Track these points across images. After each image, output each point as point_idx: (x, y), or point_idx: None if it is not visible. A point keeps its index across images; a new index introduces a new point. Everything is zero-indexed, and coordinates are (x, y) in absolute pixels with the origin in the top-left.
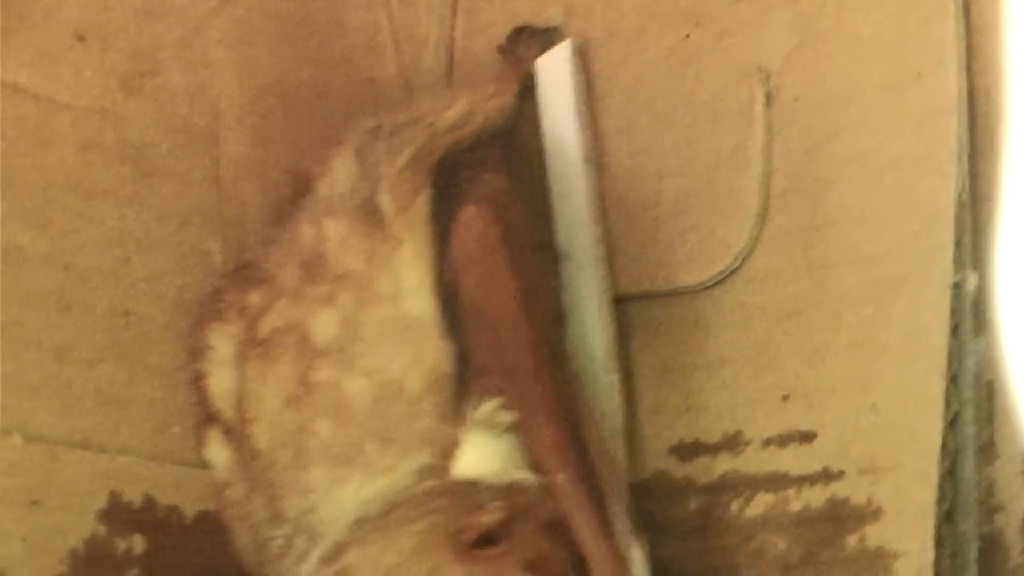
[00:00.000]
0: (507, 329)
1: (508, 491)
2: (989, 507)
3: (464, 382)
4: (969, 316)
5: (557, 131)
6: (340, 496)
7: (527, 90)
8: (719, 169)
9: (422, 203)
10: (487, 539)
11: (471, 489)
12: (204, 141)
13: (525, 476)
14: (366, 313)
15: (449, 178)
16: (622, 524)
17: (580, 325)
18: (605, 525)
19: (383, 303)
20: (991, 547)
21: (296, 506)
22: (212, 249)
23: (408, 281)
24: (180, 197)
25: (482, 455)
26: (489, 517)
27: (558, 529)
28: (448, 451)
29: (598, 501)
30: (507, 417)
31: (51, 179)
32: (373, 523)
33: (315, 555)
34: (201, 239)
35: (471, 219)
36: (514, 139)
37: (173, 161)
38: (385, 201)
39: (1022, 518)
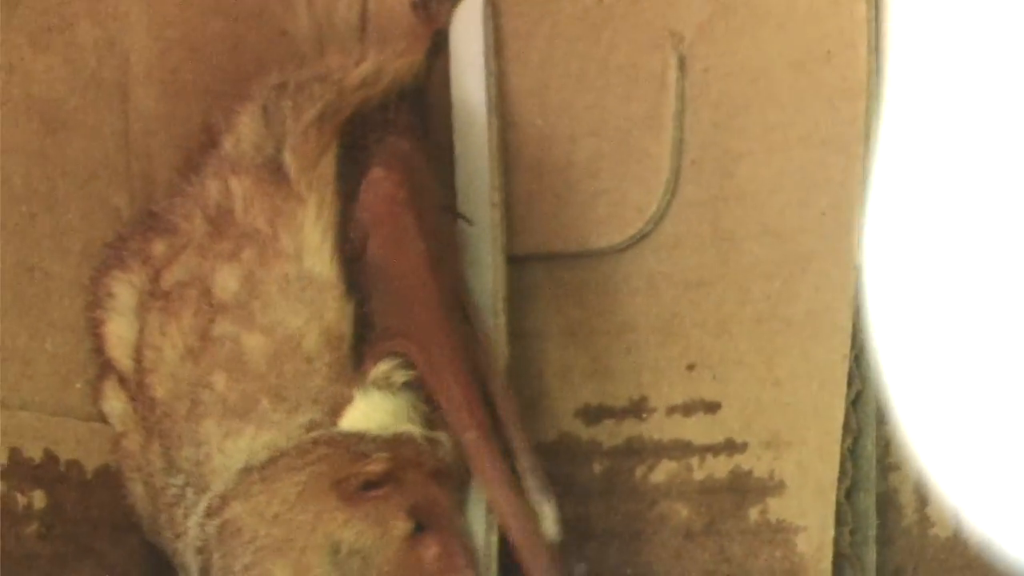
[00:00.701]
0: (414, 289)
1: (394, 442)
2: (884, 466)
3: (367, 343)
4: None
5: (465, 86)
6: (231, 448)
7: (439, 48)
8: (632, 133)
9: (327, 163)
10: (371, 486)
11: (356, 440)
12: (113, 95)
13: (412, 428)
14: (268, 270)
15: (357, 138)
16: (533, 480)
17: (477, 284)
18: (513, 481)
19: (285, 260)
20: (885, 506)
21: (189, 457)
22: (120, 204)
23: (310, 240)
24: (88, 152)
25: (372, 411)
26: (374, 466)
27: (445, 478)
28: (338, 409)
29: (508, 457)
30: (402, 376)
31: None
32: (258, 473)
33: (201, 508)
34: (109, 194)
35: (378, 181)
36: (424, 98)
37: (81, 116)
38: (289, 159)
39: (916, 479)
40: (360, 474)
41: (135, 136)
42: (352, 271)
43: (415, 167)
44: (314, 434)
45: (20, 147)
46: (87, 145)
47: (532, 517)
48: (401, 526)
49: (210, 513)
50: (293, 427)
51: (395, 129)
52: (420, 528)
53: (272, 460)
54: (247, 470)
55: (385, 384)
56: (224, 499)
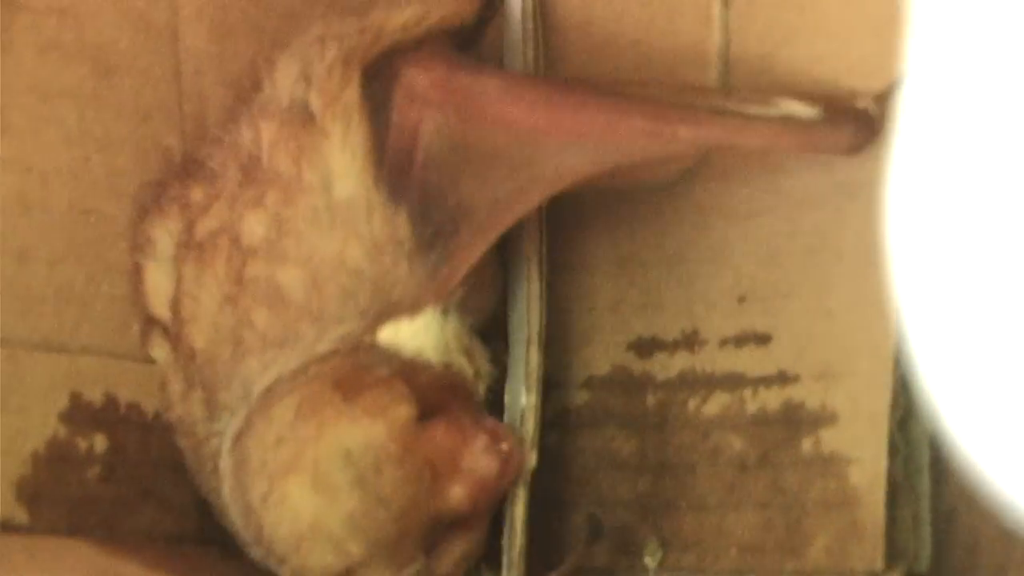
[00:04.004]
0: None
1: (409, 365)
2: None
3: (435, 235)
4: None
5: (510, 22)
6: (268, 379)
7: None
8: (677, 68)
9: (351, 92)
10: None
11: (371, 355)
12: (163, 36)
13: (436, 358)
14: (294, 208)
15: (383, 68)
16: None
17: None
18: None
19: (311, 194)
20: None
21: (233, 395)
22: (172, 145)
23: (338, 165)
24: (140, 94)
25: (422, 331)
26: (377, 371)
27: (460, 391)
28: (383, 318)
29: None
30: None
31: (10, 82)
32: (257, 402)
33: (225, 448)
34: (161, 135)
35: (412, 76)
36: (473, 49)
37: (132, 58)
38: (314, 98)
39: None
40: (360, 375)
41: (186, 76)
42: (402, 185)
43: (449, 60)
44: (331, 346)
45: (72, 91)
46: (139, 87)
47: None
48: (404, 410)
49: (230, 451)
50: (321, 341)
51: (426, 50)
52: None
53: (268, 388)
54: (268, 389)
55: (456, 313)
56: (238, 435)
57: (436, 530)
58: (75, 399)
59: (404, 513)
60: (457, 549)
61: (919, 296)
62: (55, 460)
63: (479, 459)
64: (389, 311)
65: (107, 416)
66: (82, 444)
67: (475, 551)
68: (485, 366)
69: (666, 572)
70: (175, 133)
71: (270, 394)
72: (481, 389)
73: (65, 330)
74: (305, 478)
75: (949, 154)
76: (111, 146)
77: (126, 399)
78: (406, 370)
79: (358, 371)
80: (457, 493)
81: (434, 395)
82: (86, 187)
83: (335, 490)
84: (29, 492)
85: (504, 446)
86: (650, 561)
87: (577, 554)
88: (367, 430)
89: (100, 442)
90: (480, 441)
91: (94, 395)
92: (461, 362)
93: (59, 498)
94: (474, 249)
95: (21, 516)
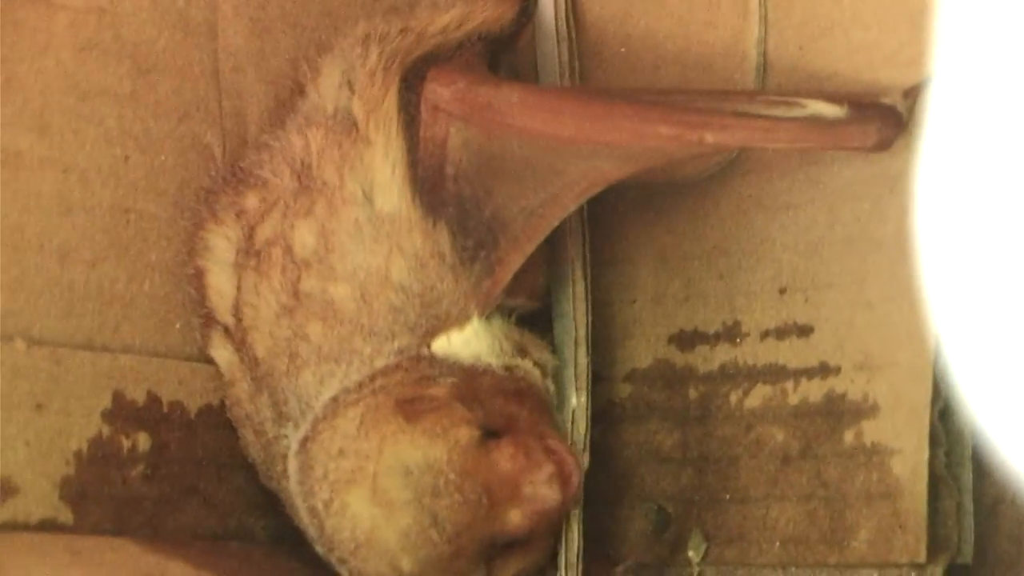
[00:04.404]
0: (536, 123)
1: (471, 370)
2: None
3: (477, 248)
4: None
5: (544, 16)
6: (325, 392)
7: (532, 8)
8: (715, 60)
9: (391, 101)
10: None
11: (430, 364)
12: (202, 34)
13: (494, 361)
14: (339, 220)
15: (418, 72)
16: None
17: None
18: None
19: (353, 206)
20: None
21: (294, 410)
22: (212, 143)
23: (380, 177)
24: (179, 92)
25: (475, 337)
26: (436, 390)
27: (527, 397)
28: (435, 332)
29: None
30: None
31: (49, 82)
32: (322, 411)
33: (292, 452)
34: (201, 133)
35: (433, 90)
36: (509, 53)
37: (171, 56)
38: (357, 106)
39: None
40: (423, 396)
41: (225, 74)
42: (438, 199)
43: (471, 73)
44: (391, 360)
45: (112, 90)
46: (178, 85)
47: None
48: (466, 433)
49: (296, 455)
50: (379, 356)
51: (456, 60)
52: (497, 437)
53: (333, 398)
54: (334, 400)
55: (499, 312)
56: (303, 441)
57: (494, 549)
58: (118, 398)
59: (459, 535)
60: (514, 566)
61: (958, 287)
62: (98, 459)
63: (540, 489)
64: (438, 325)
65: (150, 415)
66: (125, 443)
67: (535, 566)
68: (544, 355)
69: (709, 565)
70: (215, 131)
71: (335, 403)
72: (550, 386)
73: (107, 329)
74: (365, 491)
75: (984, 145)
76: (151, 145)
77: (168, 398)
78: (468, 377)
79: (420, 386)
80: (516, 518)
81: (500, 405)
82: (126, 186)
83: (392, 506)
84: (73, 491)
85: (567, 469)
86: (694, 555)
87: (646, 544)
88: (426, 451)
89: (143, 441)
90: (544, 472)
91: (137, 394)
92: (520, 363)
93: (103, 497)
94: (514, 259)
95: (65, 515)
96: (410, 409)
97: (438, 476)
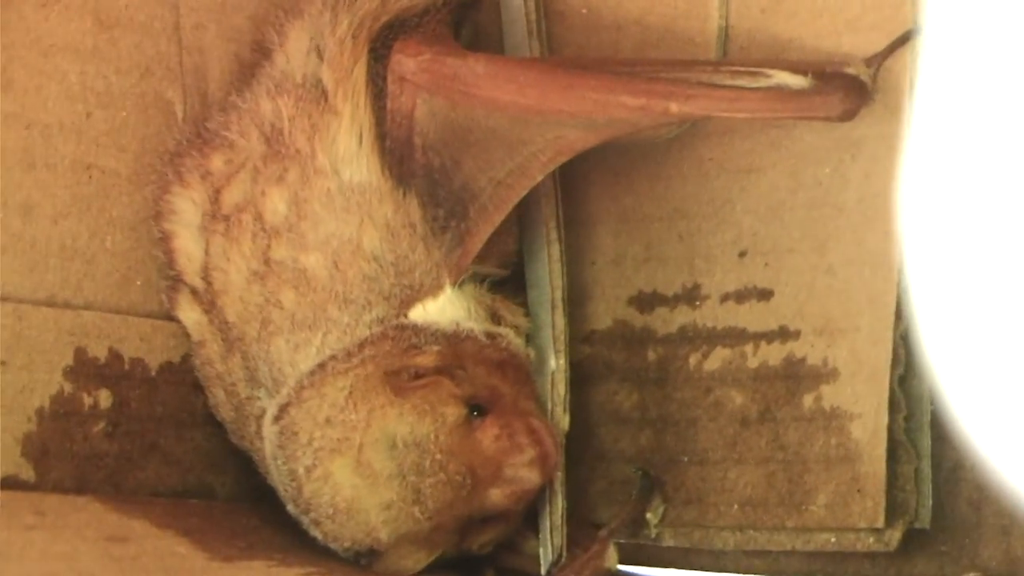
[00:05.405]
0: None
1: (453, 337)
2: None
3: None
4: None
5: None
6: (300, 359)
7: None
8: (677, 22)
9: (360, 71)
10: (421, 378)
11: (414, 333)
12: None
13: (475, 325)
14: (311, 189)
15: (385, 42)
16: None
17: None
18: None
19: (324, 177)
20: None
21: (266, 375)
22: (174, 99)
23: (345, 149)
24: (140, 48)
25: (450, 304)
26: (424, 359)
27: (510, 368)
28: (411, 301)
29: None
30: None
31: (11, 37)
32: (307, 379)
33: (269, 416)
34: (163, 89)
35: (400, 62)
36: (473, 13)
37: (132, 11)
38: (327, 75)
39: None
40: (410, 366)
41: (186, 30)
42: (406, 170)
43: (436, 44)
44: (374, 329)
45: (74, 46)
46: (139, 41)
47: None
48: (453, 412)
49: (275, 420)
50: (359, 326)
51: (422, 30)
52: (481, 414)
53: (320, 365)
54: (314, 370)
55: (471, 279)
56: (284, 406)
57: (471, 523)
58: (80, 355)
59: (439, 511)
60: (488, 535)
61: (921, 254)
62: (60, 416)
63: (521, 471)
64: (412, 295)
65: (111, 371)
66: (87, 400)
67: (507, 535)
68: (519, 319)
69: (667, 527)
70: (175, 87)
71: (323, 371)
72: (531, 352)
73: (69, 286)
74: (349, 461)
75: (955, 112)
76: (112, 101)
77: (130, 354)
78: (451, 343)
79: (407, 355)
80: (496, 496)
81: (484, 375)
82: (88, 142)
83: (375, 478)
84: (35, 448)
85: (547, 450)
86: (652, 516)
87: (630, 507)
88: (414, 427)
89: (104, 398)
90: (526, 456)
91: (98, 351)
92: (501, 331)
93: (64, 454)
94: (483, 229)
95: (27, 472)
96: (398, 382)
97: (424, 454)
